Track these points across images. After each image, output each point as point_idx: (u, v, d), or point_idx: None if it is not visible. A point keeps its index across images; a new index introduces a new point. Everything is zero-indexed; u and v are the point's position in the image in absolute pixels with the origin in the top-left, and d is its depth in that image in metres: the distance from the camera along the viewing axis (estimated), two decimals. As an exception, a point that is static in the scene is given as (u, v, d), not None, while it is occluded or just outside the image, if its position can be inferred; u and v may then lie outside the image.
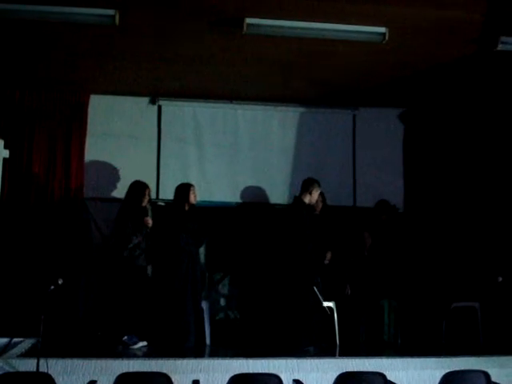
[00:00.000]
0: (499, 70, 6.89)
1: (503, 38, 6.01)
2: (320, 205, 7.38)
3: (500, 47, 6.09)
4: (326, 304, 6.90)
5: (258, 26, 5.78)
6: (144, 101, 8.12)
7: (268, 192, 8.18)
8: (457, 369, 4.87)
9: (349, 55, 6.58)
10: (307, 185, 7.02)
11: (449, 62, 6.79)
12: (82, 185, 7.73)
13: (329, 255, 7.25)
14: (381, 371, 4.71)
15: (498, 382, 4.84)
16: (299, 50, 6.48)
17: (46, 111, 7.76)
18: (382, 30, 5.89)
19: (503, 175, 7.90)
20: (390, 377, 4.78)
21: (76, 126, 7.78)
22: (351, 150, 8.45)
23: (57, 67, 7.10)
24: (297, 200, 7.03)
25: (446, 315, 7.45)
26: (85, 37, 6.20)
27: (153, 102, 8.13)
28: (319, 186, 7.09)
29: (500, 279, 7.07)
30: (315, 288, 6.75)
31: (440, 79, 7.32)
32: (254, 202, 8.18)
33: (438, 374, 4.74)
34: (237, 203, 8.14)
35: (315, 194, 7.03)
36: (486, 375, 4.70)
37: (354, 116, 8.48)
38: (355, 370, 5.10)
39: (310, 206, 7.08)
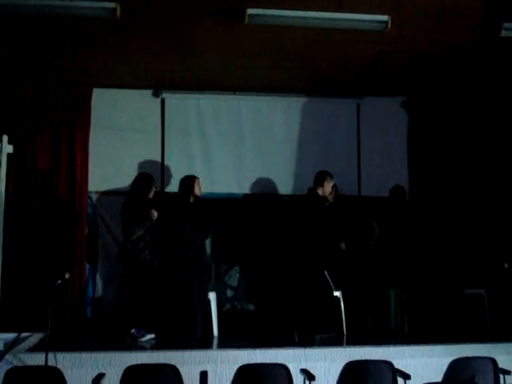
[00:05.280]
0: (502, 57, 6.85)
1: (506, 25, 5.95)
2: (330, 196, 7.38)
3: (503, 33, 6.03)
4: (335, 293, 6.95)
5: (260, 16, 5.74)
6: (147, 94, 8.12)
7: (273, 183, 8.17)
8: (464, 356, 4.89)
9: (352, 44, 6.55)
10: (319, 178, 7.14)
11: (452, 49, 6.75)
12: (86, 178, 7.74)
13: (343, 245, 7.40)
14: (388, 359, 4.75)
15: (505, 368, 4.86)
16: (301, 40, 6.45)
17: (49, 105, 7.76)
18: (385, 18, 5.84)
19: (508, 163, 7.88)
20: (397, 365, 4.81)
21: (80, 119, 7.79)
22: (355, 139, 8.43)
23: (59, 61, 7.09)
24: (311, 192, 7.14)
25: (453, 302, 7.45)
26: (87, 30, 6.19)
27: (156, 94, 8.13)
28: (331, 178, 7.16)
29: (506, 266, 7.07)
30: (326, 274, 6.81)
31: (443, 66, 7.28)
32: (259, 193, 8.18)
33: (446, 361, 4.77)
34: (241, 194, 8.15)
35: (327, 186, 7.14)
36: (494, 362, 4.73)
37: (358, 105, 8.46)
38: (363, 359, 5.12)
39: (324, 198, 7.15)
